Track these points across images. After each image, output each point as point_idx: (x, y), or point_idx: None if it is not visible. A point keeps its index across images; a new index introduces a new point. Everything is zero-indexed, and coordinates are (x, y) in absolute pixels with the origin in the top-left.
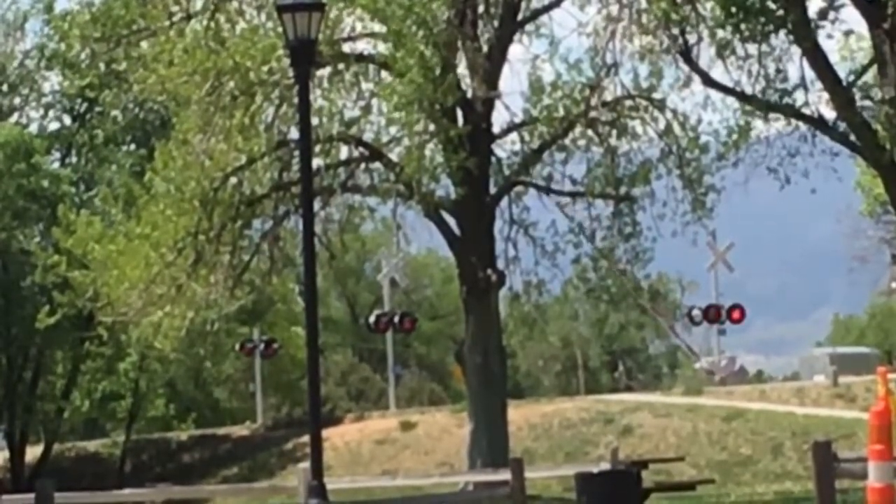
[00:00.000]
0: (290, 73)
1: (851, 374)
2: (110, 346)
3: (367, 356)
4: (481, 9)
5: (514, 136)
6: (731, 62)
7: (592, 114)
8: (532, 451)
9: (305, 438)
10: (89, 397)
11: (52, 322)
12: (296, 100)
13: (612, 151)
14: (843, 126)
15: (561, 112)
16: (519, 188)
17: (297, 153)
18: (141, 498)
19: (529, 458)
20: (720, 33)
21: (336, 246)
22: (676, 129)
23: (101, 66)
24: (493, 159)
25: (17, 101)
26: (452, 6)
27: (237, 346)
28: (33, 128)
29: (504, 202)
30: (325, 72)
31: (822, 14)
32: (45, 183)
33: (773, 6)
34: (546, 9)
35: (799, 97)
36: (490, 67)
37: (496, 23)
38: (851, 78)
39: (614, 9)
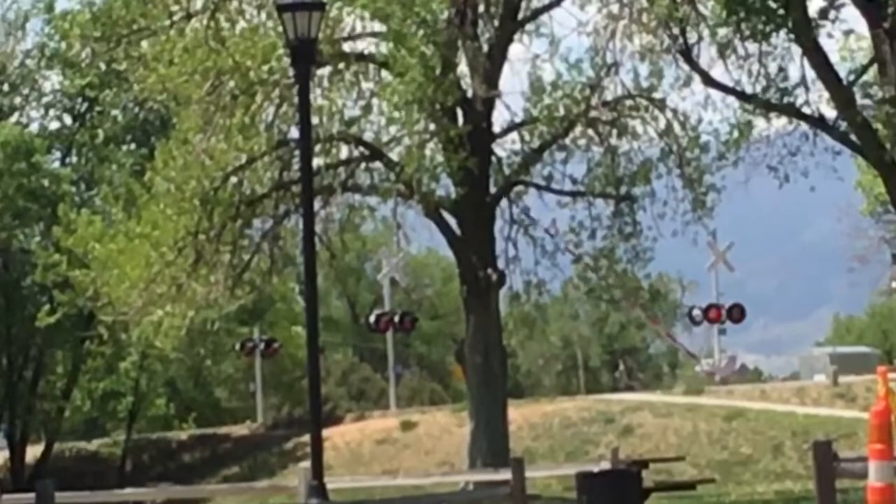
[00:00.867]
0: (291, 72)
1: (852, 373)
2: (111, 346)
3: (367, 356)
4: (481, 8)
5: (514, 135)
6: (732, 62)
7: (593, 113)
8: (532, 451)
9: (306, 438)
10: (90, 397)
11: (52, 321)
12: (296, 99)
13: (613, 151)
14: (843, 125)
15: (561, 111)
16: (519, 188)
17: (297, 152)
18: (141, 497)
19: (530, 457)
20: (721, 32)
21: (336, 245)
22: (677, 128)
23: (102, 65)
24: (494, 159)
25: (17, 100)
26: (453, 6)
27: (237, 346)
28: (34, 127)
29: (504, 202)
30: (325, 71)
31: (823, 13)
32: (46, 182)
33: (773, 5)
34: (546, 8)
35: (799, 96)
36: (490, 67)
37: (496, 22)
38: (852, 77)
39: (615, 8)
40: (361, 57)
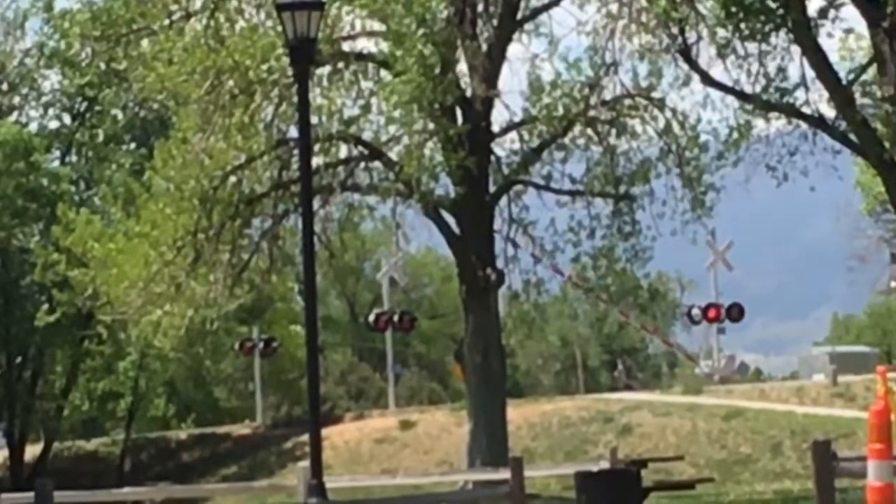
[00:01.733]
0: (290, 71)
1: (851, 373)
2: (110, 345)
3: (366, 355)
4: (481, 8)
5: (513, 134)
6: (731, 61)
7: (592, 113)
8: (531, 450)
9: (305, 437)
10: (89, 396)
11: (51, 321)
12: (295, 98)
13: (612, 150)
14: (842, 125)
15: (560, 111)
16: (518, 187)
17: (296, 152)
18: (140, 497)
19: (529, 457)
20: (720, 32)
21: (335, 245)
22: (676, 128)
23: (101, 64)
24: (493, 158)
25: (16, 99)
26: (452, 5)
27: (237, 345)
28: (33, 127)
29: (503, 201)
30: (324, 70)
31: (822, 13)
32: (45, 182)
33: (772, 5)
34: (545, 8)
35: (799, 96)
36: (489, 66)
37: (495, 22)
38: (851, 77)
39: (614, 8)
40: (361, 56)
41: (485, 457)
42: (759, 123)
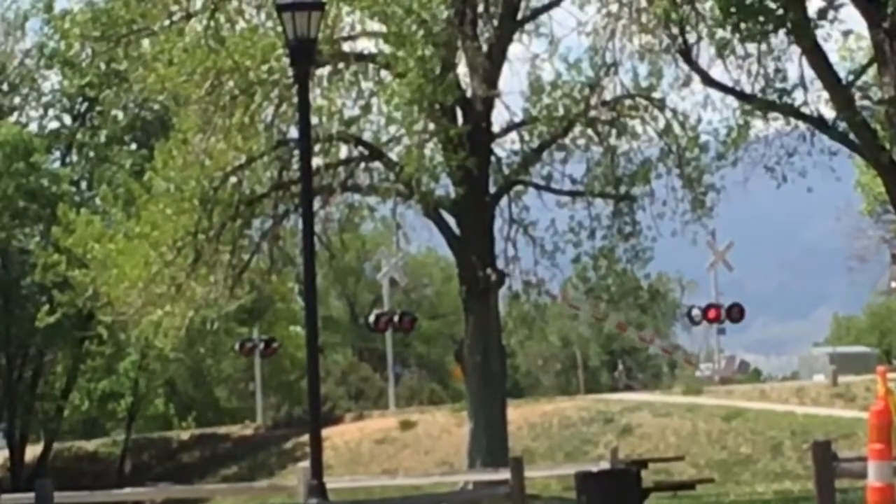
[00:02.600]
0: (290, 72)
1: (851, 373)
2: (110, 346)
3: (366, 355)
4: (481, 8)
5: (513, 135)
6: (731, 61)
7: (592, 113)
8: (532, 451)
9: (305, 438)
10: (89, 396)
11: (51, 321)
12: (295, 99)
13: (612, 151)
14: (842, 125)
15: (560, 111)
16: (518, 187)
17: (296, 152)
18: (141, 497)
19: (529, 457)
20: (720, 33)
21: (336, 245)
22: (676, 128)
23: (101, 65)
24: (493, 159)
25: (16, 100)
26: (452, 6)
27: (237, 346)
28: (33, 127)
29: (504, 201)
30: (324, 71)
31: (822, 13)
32: (45, 182)
33: (772, 6)
34: (546, 8)
35: (798, 96)
36: (490, 67)
37: (496, 22)
38: (851, 77)
39: (614, 8)
40: (361, 57)
41: (485, 457)
42: (758, 124)
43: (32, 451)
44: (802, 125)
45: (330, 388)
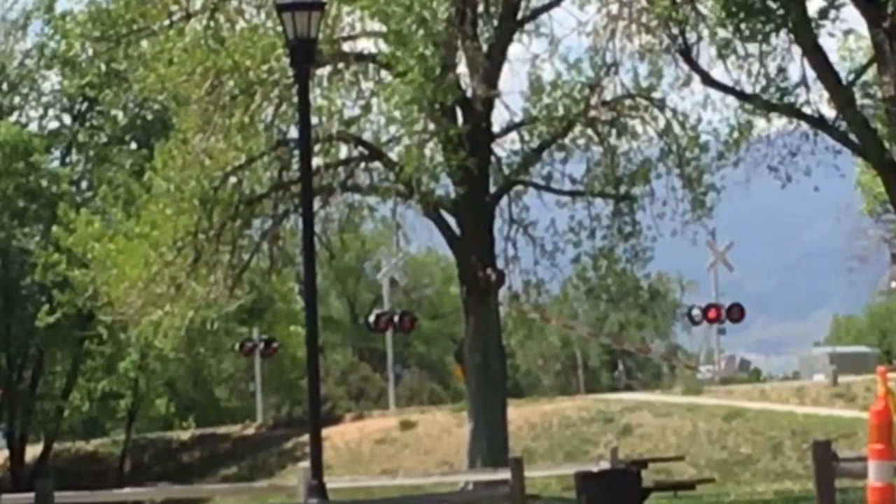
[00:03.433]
0: (290, 72)
1: (851, 373)
2: (110, 346)
3: (366, 355)
4: (481, 8)
5: (513, 135)
6: (732, 61)
7: (592, 113)
8: (532, 451)
9: (305, 438)
10: (89, 396)
11: (51, 321)
12: (295, 99)
13: (612, 151)
14: (843, 125)
15: (561, 111)
16: (518, 187)
17: (296, 152)
18: (140, 497)
19: (529, 457)
20: (720, 33)
21: (336, 245)
22: (676, 128)
23: (101, 65)
24: (493, 158)
25: (16, 100)
26: (452, 5)
27: (237, 346)
28: (33, 127)
29: (504, 201)
30: (324, 71)
31: (823, 13)
32: (45, 182)
33: (773, 5)
34: (546, 8)
35: (799, 96)
36: (490, 67)
37: (496, 22)
38: (851, 77)
39: (614, 8)
40: (361, 57)
41: (485, 457)
42: (759, 123)
43: (32, 451)
44: (804, 125)
45: (330, 387)
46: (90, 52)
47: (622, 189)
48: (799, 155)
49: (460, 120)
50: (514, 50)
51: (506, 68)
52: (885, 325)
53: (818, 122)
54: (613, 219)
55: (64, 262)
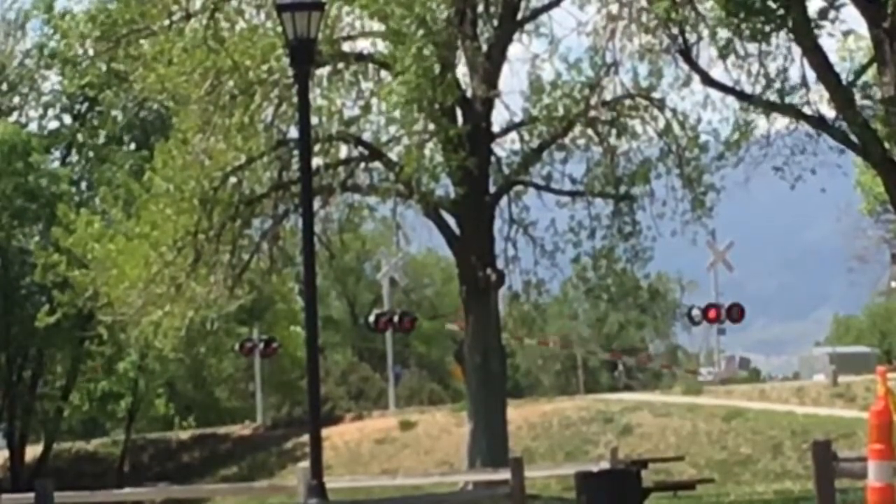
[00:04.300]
0: (290, 72)
1: (851, 373)
2: (110, 346)
3: (366, 355)
4: (481, 8)
5: (513, 135)
6: (732, 62)
7: (592, 113)
8: (532, 451)
9: (305, 438)
10: (89, 397)
11: (51, 321)
12: (295, 99)
13: (612, 151)
14: (843, 125)
15: (560, 111)
16: (518, 187)
17: (296, 152)
18: (140, 497)
19: (529, 457)
20: (720, 33)
21: (336, 245)
22: (676, 128)
23: (101, 65)
24: (493, 159)
25: (16, 100)
26: (452, 5)
27: (237, 346)
28: (33, 127)
29: (504, 201)
30: (324, 71)
31: (823, 13)
32: (44, 182)
33: (773, 6)
34: (546, 8)
35: (800, 97)
36: (490, 67)
37: (496, 22)
38: (851, 77)
39: (614, 8)
40: (361, 57)
41: (485, 457)
42: (760, 124)
43: (32, 452)
44: (805, 125)
45: (330, 388)
46: (90, 52)
47: (622, 189)
48: (801, 155)
49: (460, 120)
50: (513, 50)
51: (506, 68)
52: (885, 325)
53: (818, 122)
54: (613, 219)
55: (64, 262)
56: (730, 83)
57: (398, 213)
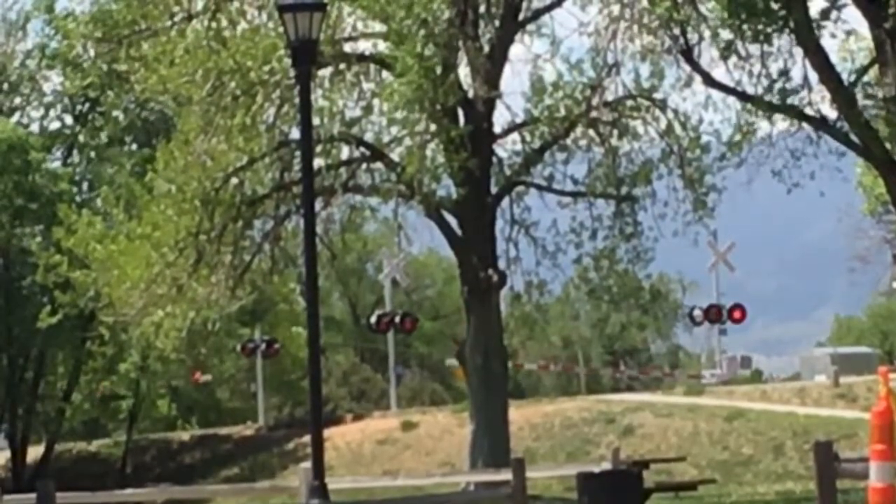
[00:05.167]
0: (292, 73)
1: (853, 373)
2: (111, 346)
3: (368, 356)
4: (482, 8)
5: (515, 136)
6: (733, 62)
7: (594, 114)
8: (533, 451)
9: (307, 438)
10: (90, 397)
11: (53, 322)
12: (297, 100)
13: (614, 151)
14: (845, 126)
15: (562, 112)
16: (520, 188)
17: (298, 153)
18: (142, 498)
19: (531, 457)
20: (722, 34)
21: (337, 246)
22: (678, 129)
23: (103, 66)
24: (495, 159)
25: (17, 100)
26: (453, 6)
27: (238, 347)
28: (34, 127)
29: (505, 202)
30: (326, 72)
31: (824, 14)
32: (44, 181)
33: (775, 6)
34: (547, 8)
35: (802, 97)
36: (491, 67)
37: (497, 22)
38: (853, 78)
39: (616, 9)
40: (362, 57)
41: (486, 458)
42: (762, 124)
43: (34, 452)
44: (806, 126)
45: (331, 388)
46: (92, 52)
47: (624, 190)
48: (803, 157)
49: (462, 121)
50: (515, 50)
51: (507, 69)
52: (887, 325)
53: (820, 123)
54: (615, 219)
55: (65, 263)
56: (731, 84)
57: (400, 213)
